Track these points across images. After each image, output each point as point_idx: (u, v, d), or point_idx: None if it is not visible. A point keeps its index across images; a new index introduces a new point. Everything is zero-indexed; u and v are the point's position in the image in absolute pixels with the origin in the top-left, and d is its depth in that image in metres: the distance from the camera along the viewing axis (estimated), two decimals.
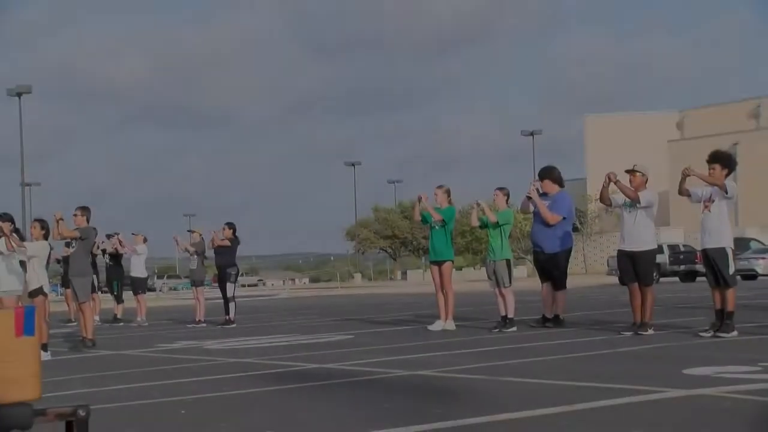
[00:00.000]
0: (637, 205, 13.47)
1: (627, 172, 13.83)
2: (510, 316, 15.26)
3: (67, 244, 16.16)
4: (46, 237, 14.68)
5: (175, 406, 8.66)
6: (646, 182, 13.68)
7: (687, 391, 8.07)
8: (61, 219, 15.60)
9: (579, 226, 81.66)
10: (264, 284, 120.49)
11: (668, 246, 49.89)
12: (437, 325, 16.06)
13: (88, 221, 16.12)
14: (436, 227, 16.21)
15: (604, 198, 13.98)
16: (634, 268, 13.56)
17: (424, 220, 16.48)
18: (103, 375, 11.60)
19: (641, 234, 13.57)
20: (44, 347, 14.26)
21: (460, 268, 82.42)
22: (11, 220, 14.76)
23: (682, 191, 13.19)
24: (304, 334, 16.98)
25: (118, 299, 23.77)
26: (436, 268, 16.30)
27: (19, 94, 58.40)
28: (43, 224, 14.74)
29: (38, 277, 14.45)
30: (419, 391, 9.09)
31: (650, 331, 13.47)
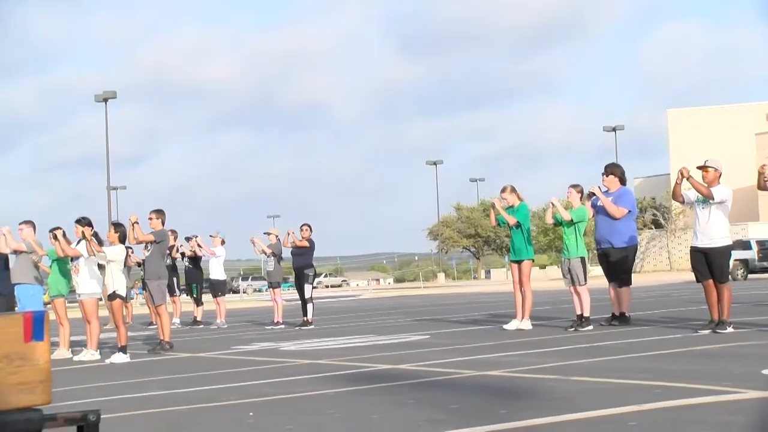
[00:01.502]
0: (711, 201, 13.22)
1: (699, 168, 13.59)
2: (586, 314, 15.09)
3: (145, 247, 16.34)
4: (122, 241, 14.86)
5: (244, 408, 8.71)
6: (719, 177, 13.42)
7: (766, 392, 7.88)
8: (137, 223, 15.80)
9: (663, 222, 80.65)
10: (348, 285, 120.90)
11: (757, 242, 48.92)
12: (512, 324, 15.96)
13: (163, 224, 16.29)
14: (514, 228, 16.12)
15: (676, 195, 13.76)
16: (708, 265, 13.31)
17: (500, 223, 16.42)
18: (177, 377, 11.72)
19: (715, 230, 13.31)
20: (123, 350, 14.49)
21: (543, 267, 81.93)
22: (90, 224, 15.02)
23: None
24: (380, 334, 16.99)
25: (198, 302, 24.03)
26: (515, 267, 16.21)
27: (105, 100, 59.52)
28: (118, 228, 14.92)
29: (115, 281, 14.65)
30: (487, 391, 9.03)
31: (729, 329, 13.21)
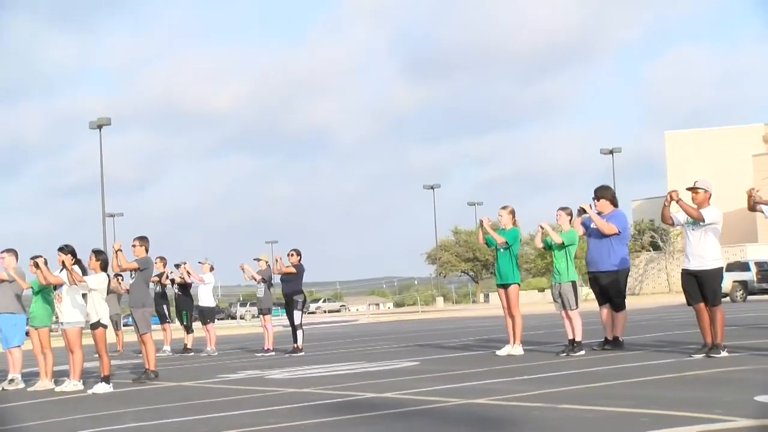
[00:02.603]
0: (701, 223, 12.95)
1: (689, 189, 13.33)
2: (578, 339, 14.80)
3: (130, 275, 16.05)
4: (104, 268, 14.57)
5: None
6: (709, 198, 13.15)
7: (757, 420, 7.61)
8: (120, 250, 15.52)
9: (662, 244, 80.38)
10: (348, 310, 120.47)
11: (755, 263, 48.60)
12: (505, 350, 15.68)
13: (147, 251, 15.99)
14: (501, 249, 15.84)
15: (665, 217, 13.50)
16: (700, 287, 13.04)
17: (489, 242, 16.13)
18: (156, 408, 11.44)
19: (706, 252, 13.03)
20: (106, 379, 14.20)
21: (542, 290, 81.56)
22: (73, 253, 14.73)
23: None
24: (370, 361, 16.69)
25: (188, 329, 23.71)
26: (503, 292, 15.93)
27: (99, 126, 59.38)
28: (99, 255, 14.63)
29: (97, 310, 14.37)
30: (470, 421, 8.75)
31: (723, 353, 12.92)
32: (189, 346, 23.33)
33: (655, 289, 79.72)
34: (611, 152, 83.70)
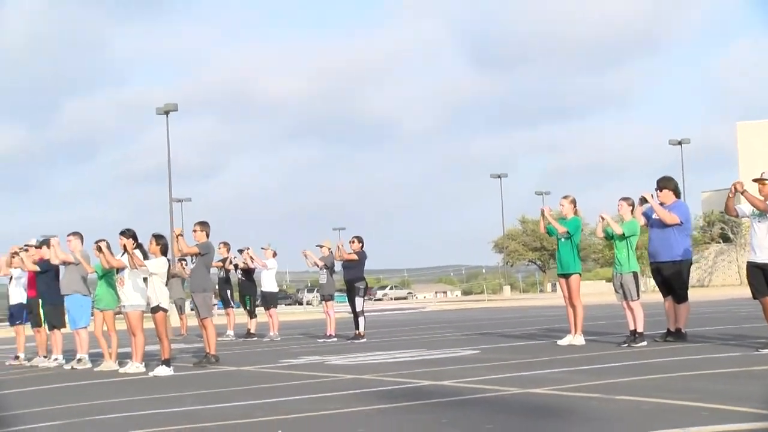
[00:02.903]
0: (767, 215, 12.68)
1: (755, 180, 13.04)
2: (639, 330, 14.60)
3: (190, 260, 16.14)
4: (164, 252, 14.66)
5: (273, 425, 8.46)
6: None
7: None
8: (181, 235, 15.61)
9: (732, 236, 79.17)
10: (415, 297, 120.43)
11: None
12: (566, 340, 15.54)
13: (207, 236, 16.07)
14: (562, 239, 15.70)
15: (729, 209, 13.23)
16: (767, 281, 12.77)
17: (550, 232, 15.99)
18: (216, 392, 11.49)
19: None
20: (166, 363, 14.31)
21: (610, 280, 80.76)
22: (134, 237, 14.86)
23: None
24: (430, 349, 16.64)
25: (251, 314, 23.84)
26: (563, 281, 15.78)
27: (167, 113, 59.93)
28: (159, 240, 14.71)
29: (157, 294, 14.47)
30: (526, 410, 8.66)
31: None
32: (252, 331, 23.47)
33: (725, 281, 78.59)
34: (680, 143, 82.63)
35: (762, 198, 12.80)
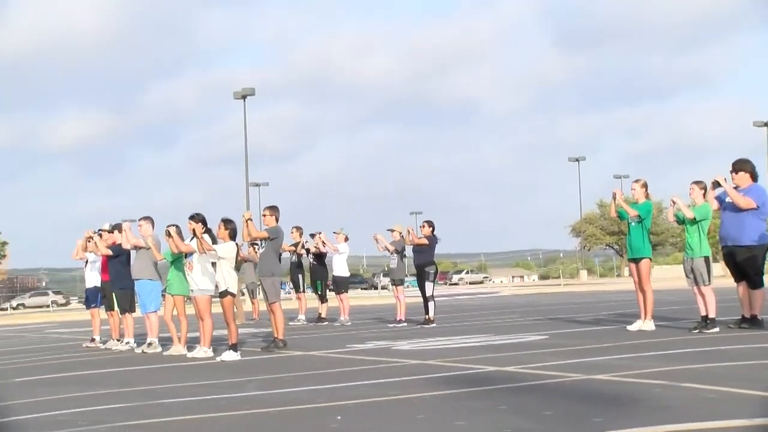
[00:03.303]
0: None
1: None
2: (711, 315, 14.33)
3: (259, 244, 16.21)
4: (232, 237, 14.73)
5: (334, 411, 8.46)
6: None
7: None
8: (250, 219, 15.68)
9: None
10: (492, 281, 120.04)
11: None
12: (636, 325, 15.34)
13: (277, 221, 16.13)
14: (633, 223, 15.48)
15: None
16: None
17: (621, 216, 15.79)
18: (279, 377, 11.54)
19: None
20: (233, 347, 14.40)
21: None
22: (203, 221, 14.96)
23: None
24: (498, 334, 16.54)
25: (323, 299, 23.92)
26: (633, 266, 15.56)
27: (244, 97, 60.31)
28: (228, 224, 14.78)
29: (225, 279, 14.55)
30: (587, 397, 8.54)
31: None
32: (323, 316, 23.55)
33: None
34: (766, 125, 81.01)
35: None
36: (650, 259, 15.51)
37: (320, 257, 23.50)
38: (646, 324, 15.22)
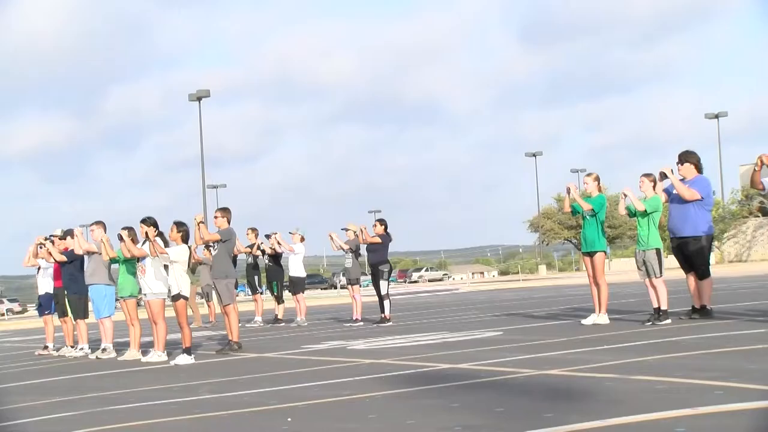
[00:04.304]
0: None
1: None
2: (663, 307, 14.42)
3: (212, 247, 16.10)
4: (185, 240, 14.63)
5: (284, 413, 8.41)
6: None
7: None
8: (202, 222, 15.58)
9: None
10: (452, 279, 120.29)
11: None
12: (590, 319, 15.40)
13: (229, 222, 16.03)
14: (587, 217, 15.55)
15: (754, 182, 13.01)
16: None
17: (575, 210, 15.85)
18: (233, 380, 11.46)
19: None
20: (187, 351, 14.31)
21: None
22: (155, 225, 14.86)
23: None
24: (454, 331, 16.55)
25: (278, 300, 23.85)
26: (588, 259, 15.63)
27: (199, 99, 59.96)
28: (180, 227, 14.67)
29: (178, 282, 14.46)
30: (540, 392, 8.54)
31: None
32: (279, 317, 23.47)
33: (764, 255, 77.79)
34: (716, 117, 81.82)
35: None
36: (604, 252, 15.59)
37: (276, 258, 23.40)
38: (600, 317, 15.28)
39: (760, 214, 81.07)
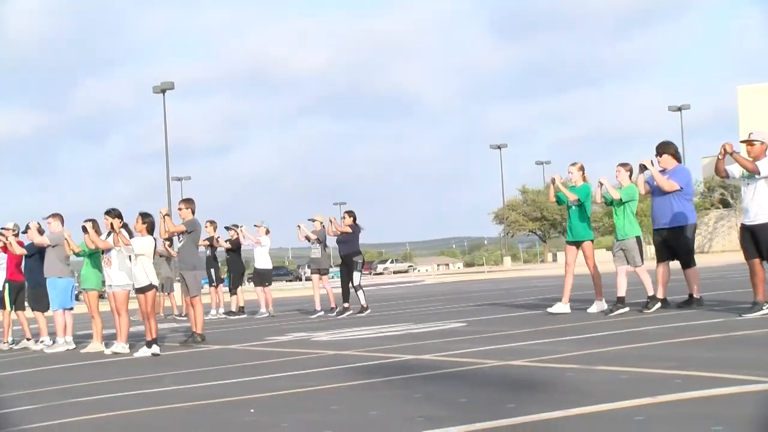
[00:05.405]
0: (756, 176, 12.54)
1: (743, 142, 12.93)
2: (650, 294, 14.56)
3: (177, 239, 16.01)
4: (150, 231, 14.54)
5: (248, 404, 8.39)
6: (765, 151, 12.67)
7: None
8: (168, 215, 15.50)
9: (732, 201, 79.01)
10: (417, 270, 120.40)
11: None
12: (557, 308, 15.51)
13: (193, 213, 15.96)
14: (573, 207, 15.61)
15: (719, 170, 13.09)
16: (755, 243, 12.66)
17: (560, 200, 15.90)
18: (196, 372, 11.44)
19: (762, 206, 12.61)
20: (152, 343, 14.24)
21: (610, 248, 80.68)
22: (119, 216, 14.76)
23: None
24: (418, 323, 16.58)
25: (231, 291, 23.79)
26: (573, 249, 15.69)
27: (163, 91, 59.68)
28: (145, 218, 14.57)
29: (147, 273, 14.35)
30: (502, 383, 8.59)
31: (766, 310, 12.56)
32: (233, 309, 23.43)
33: (725, 246, 78.40)
34: (679, 109, 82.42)
35: (750, 159, 12.66)
36: (592, 241, 15.69)
37: (234, 250, 23.37)
38: (597, 305, 15.51)
39: (721, 206, 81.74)
